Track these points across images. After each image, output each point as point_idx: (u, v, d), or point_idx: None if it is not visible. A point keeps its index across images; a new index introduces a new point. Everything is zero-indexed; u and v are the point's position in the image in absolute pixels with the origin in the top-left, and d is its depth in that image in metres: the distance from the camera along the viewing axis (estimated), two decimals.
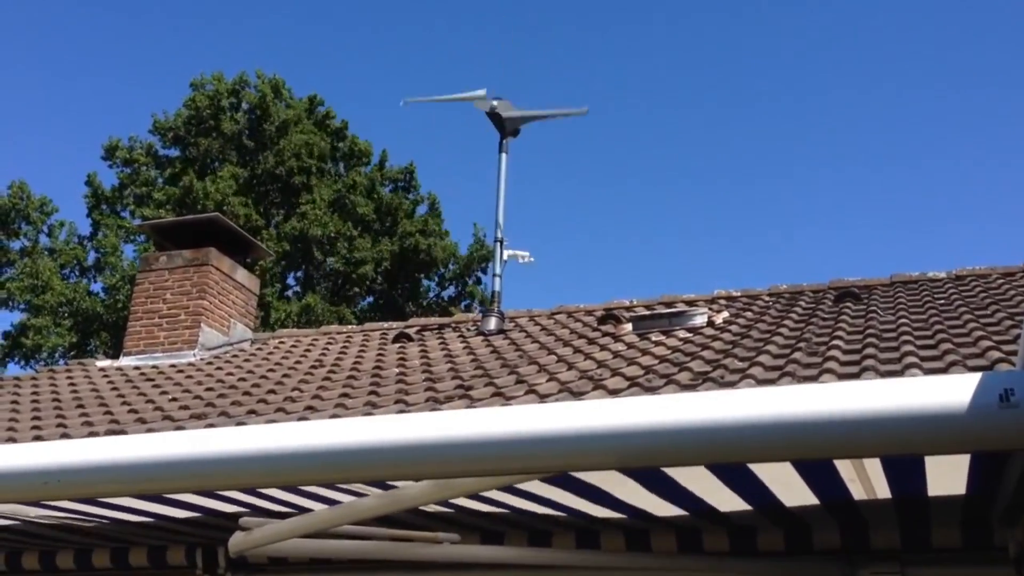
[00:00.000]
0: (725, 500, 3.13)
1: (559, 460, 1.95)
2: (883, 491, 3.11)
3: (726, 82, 39.97)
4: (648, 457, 1.93)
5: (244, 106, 25.98)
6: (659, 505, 3.20)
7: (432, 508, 3.74)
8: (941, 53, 37.93)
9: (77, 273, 26.11)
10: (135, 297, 10.12)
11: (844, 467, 2.77)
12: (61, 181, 41.48)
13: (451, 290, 26.59)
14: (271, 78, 26.05)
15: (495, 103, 9.58)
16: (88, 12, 37.29)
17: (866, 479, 2.95)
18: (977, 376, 1.64)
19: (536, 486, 3.18)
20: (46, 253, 25.90)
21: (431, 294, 26.23)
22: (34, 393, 8.37)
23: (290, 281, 25.92)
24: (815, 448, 1.75)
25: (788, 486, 2.87)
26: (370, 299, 25.98)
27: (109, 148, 26.24)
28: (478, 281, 26.38)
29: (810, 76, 39.39)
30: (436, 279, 26.03)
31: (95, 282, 25.53)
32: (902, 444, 1.70)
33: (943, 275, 8.57)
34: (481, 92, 9.69)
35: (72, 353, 23.24)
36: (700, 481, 2.90)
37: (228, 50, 38.37)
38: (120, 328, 20.07)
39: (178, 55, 37.67)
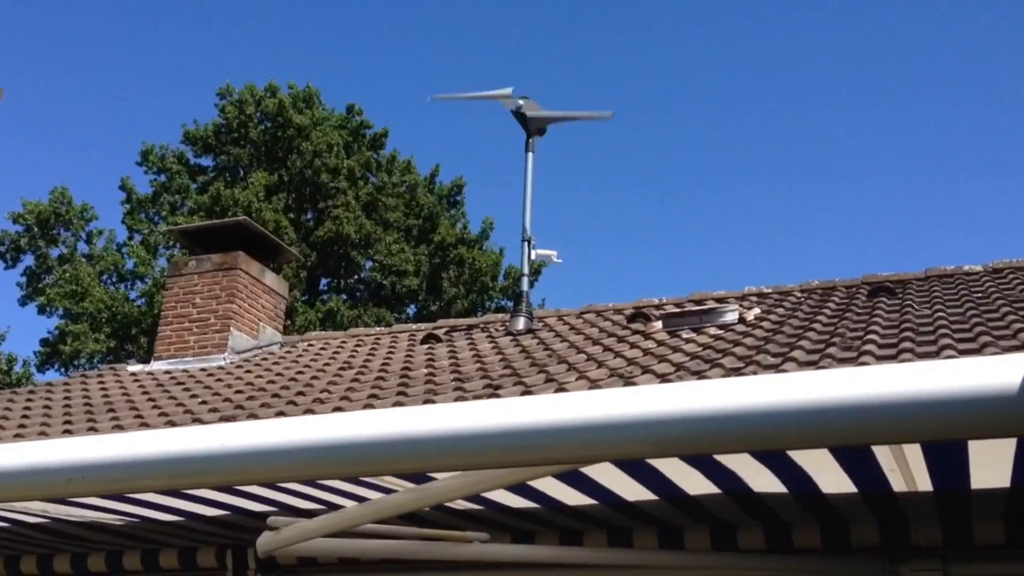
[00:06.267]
0: (761, 483, 3.05)
1: (591, 449, 1.89)
2: (924, 483, 3.03)
3: (755, 82, 39.77)
4: (683, 445, 1.87)
5: (260, 114, 25.86)
6: (696, 484, 3.11)
7: (462, 506, 3.69)
8: (981, 46, 37.53)
9: (115, 279, 26.26)
10: (165, 302, 10.17)
11: (884, 456, 2.69)
12: (102, 189, 41.92)
13: (497, 302, 26.20)
14: (304, 88, 25.93)
15: (521, 102, 9.57)
16: (135, 20, 37.67)
17: (906, 469, 2.86)
18: None
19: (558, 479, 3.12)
20: (84, 260, 26.03)
21: (477, 308, 25.72)
22: (66, 398, 8.42)
23: (323, 287, 25.84)
24: (858, 433, 1.68)
25: (825, 471, 2.79)
26: (413, 308, 25.72)
27: (144, 153, 26.37)
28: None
29: (840, 75, 39.10)
30: (473, 289, 25.47)
31: (132, 289, 25.65)
32: (948, 428, 1.63)
33: (979, 268, 8.41)
34: (507, 91, 9.70)
35: (110, 358, 23.36)
36: (736, 460, 2.82)
37: (279, 61, 38.69)
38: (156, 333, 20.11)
39: (233, 64, 38.03)
